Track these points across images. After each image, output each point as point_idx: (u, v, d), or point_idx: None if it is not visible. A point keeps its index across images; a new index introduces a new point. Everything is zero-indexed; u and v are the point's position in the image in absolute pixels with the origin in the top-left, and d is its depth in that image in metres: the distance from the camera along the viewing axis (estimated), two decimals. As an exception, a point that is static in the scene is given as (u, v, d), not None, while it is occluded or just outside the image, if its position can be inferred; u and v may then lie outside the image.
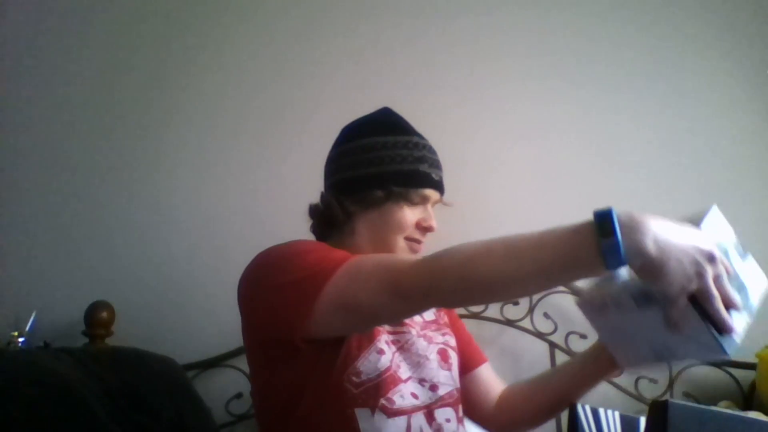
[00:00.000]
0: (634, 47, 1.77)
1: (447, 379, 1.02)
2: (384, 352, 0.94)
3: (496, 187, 1.73)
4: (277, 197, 1.75)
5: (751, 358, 1.44)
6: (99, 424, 1.13)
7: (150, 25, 1.90)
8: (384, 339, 0.96)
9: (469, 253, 0.74)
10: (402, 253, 1.03)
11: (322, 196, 1.09)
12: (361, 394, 0.89)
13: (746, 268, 0.73)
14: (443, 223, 1.63)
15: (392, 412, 0.90)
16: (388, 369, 0.93)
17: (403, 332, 1.01)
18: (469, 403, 1.13)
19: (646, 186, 1.70)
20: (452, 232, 1.63)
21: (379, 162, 1.02)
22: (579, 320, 1.61)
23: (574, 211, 1.66)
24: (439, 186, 1.07)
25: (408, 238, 1.04)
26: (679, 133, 1.72)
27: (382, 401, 0.90)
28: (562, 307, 1.61)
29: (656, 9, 1.78)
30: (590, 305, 0.79)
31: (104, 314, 1.57)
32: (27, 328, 1.55)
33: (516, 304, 1.61)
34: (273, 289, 0.89)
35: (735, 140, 1.71)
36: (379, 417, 0.89)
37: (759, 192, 1.68)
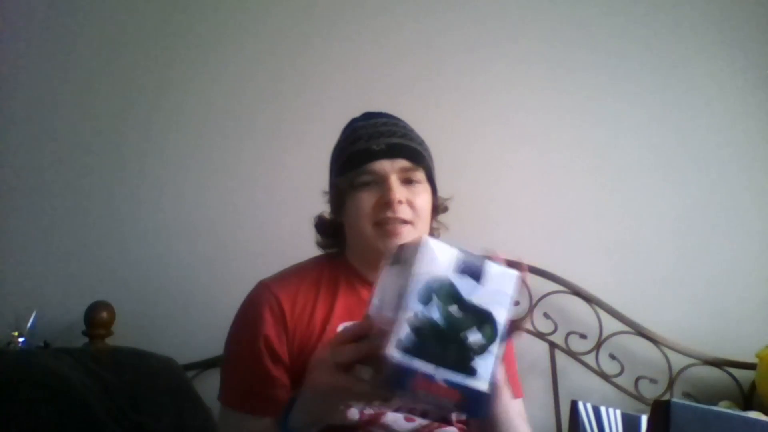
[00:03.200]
0: (636, 54, 1.76)
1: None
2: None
3: (497, 191, 1.72)
4: (276, 198, 1.75)
5: (751, 358, 1.44)
6: (99, 424, 1.13)
7: (151, 27, 1.89)
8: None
9: None
10: (378, 240, 0.94)
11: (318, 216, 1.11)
12: None
13: (486, 287, 0.63)
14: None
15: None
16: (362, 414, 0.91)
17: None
18: None
19: (647, 191, 1.70)
20: (452, 236, 1.64)
21: (332, 168, 1.04)
22: (579, 320, 1.61)
23: (575, 215, 1.69)
24: (387, 153, 0.95)
25: (376, 224, 0.94)
26: (681, 139, 1.72)
27: None
28: (562, 307, 1.61)
29: (658, 17, 1.77)
30: None
31: (104, 314, 1.57)
32: (27, 328, 1.55)
33: (516, 303, 1.60)
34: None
35: (736, 144, 1.71)
36: None
37: (759, 190, 1.68)
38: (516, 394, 1.02)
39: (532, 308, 1.60)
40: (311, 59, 1.84)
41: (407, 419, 0.92)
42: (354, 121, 1.05)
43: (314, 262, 1.06)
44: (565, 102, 1.76)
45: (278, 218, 1.73)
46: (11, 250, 1.76)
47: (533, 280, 1.60)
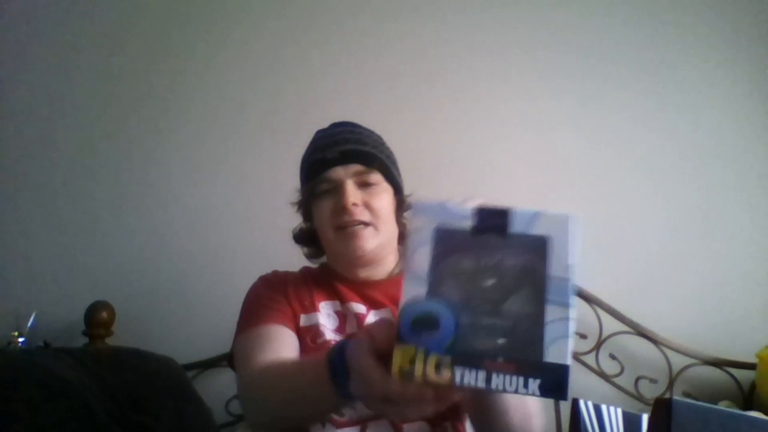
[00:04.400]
0: (633, 53, 1.77)
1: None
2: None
3: (496, 191, 1.71)
4: (279, 199, 1.75)
5: (751, 358, 1.44)
6: (99, 424, 1.13)
7: (144, 28, 1.89)
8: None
9: (258, 396, 0.85)
10: (339, 244, 1.00)
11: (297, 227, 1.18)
12: None
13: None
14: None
15: (340, 423, 0.89)
16: None
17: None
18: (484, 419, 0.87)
19: (647, 190, 1.70)
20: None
21: (300, 178, 1.12)
22: (579, 320, 1.60)
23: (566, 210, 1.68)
24: (341, 160, 1.00)
25: (336, 229, 1.00)
26: (681, 138, 1.71)
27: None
28: (562, 307, 1.61)
29: (655, 18, 1.77)
30: None
31: (104, 314, 1.57)
32: (27, 328, 1.55)
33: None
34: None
35: (734, 137, 1.71)
36: (329, 428, 0.89)
37: (759, 190, 1.68)
38: None
39: (532, 308, 1.60)
40: (300, 57, 1.84)
41: None
42: (317, 132, 1.12)
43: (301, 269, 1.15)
44: (560, 94, 1.76)
45: (280, 219, 1.73)
46: (11, 250, 1.76)
47: (533, 280, 1.60)
